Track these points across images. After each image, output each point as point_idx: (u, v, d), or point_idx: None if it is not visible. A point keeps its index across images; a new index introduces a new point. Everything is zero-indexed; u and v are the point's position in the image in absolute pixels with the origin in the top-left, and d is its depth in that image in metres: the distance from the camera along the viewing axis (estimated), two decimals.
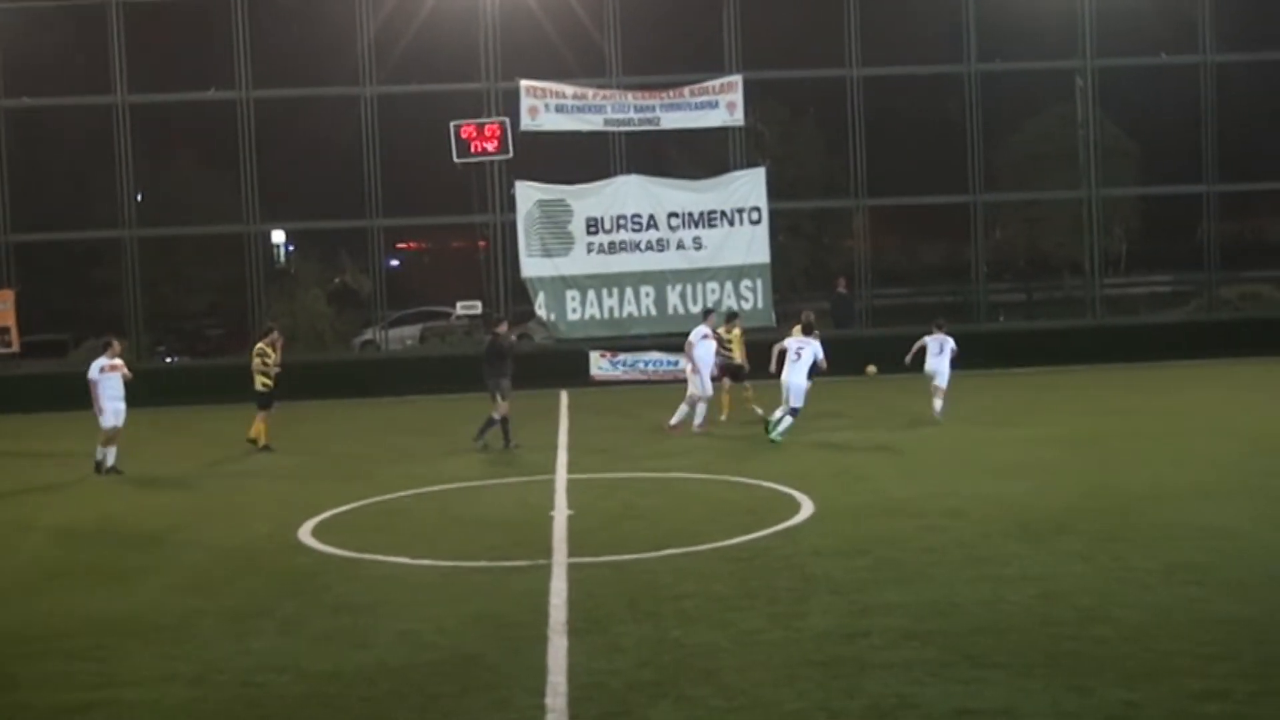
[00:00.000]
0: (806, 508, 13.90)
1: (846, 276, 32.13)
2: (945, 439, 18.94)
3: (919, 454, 17.45)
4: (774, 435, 18.81)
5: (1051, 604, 9.81)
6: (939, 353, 21.17)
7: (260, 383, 20.38)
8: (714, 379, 21.07)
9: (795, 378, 19.14)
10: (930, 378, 21.11)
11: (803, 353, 19.27)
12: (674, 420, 20.64)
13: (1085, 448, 17.50)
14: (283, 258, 38.27)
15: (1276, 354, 28.21)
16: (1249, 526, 12.16)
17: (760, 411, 21.19)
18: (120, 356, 18.63)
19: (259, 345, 20.66)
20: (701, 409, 20.72)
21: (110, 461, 18.36)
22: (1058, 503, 13.66)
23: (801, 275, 35.04)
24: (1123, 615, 9.44)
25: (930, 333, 21.42)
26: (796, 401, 19.06)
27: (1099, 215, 31.58)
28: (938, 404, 20.85)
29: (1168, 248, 36.99)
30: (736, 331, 22.22)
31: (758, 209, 30.77)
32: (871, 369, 23.72)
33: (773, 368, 19.74)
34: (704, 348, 20.71)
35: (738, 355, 22.11)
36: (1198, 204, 31.71)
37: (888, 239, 36.42)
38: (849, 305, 31.59)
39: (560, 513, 14.10)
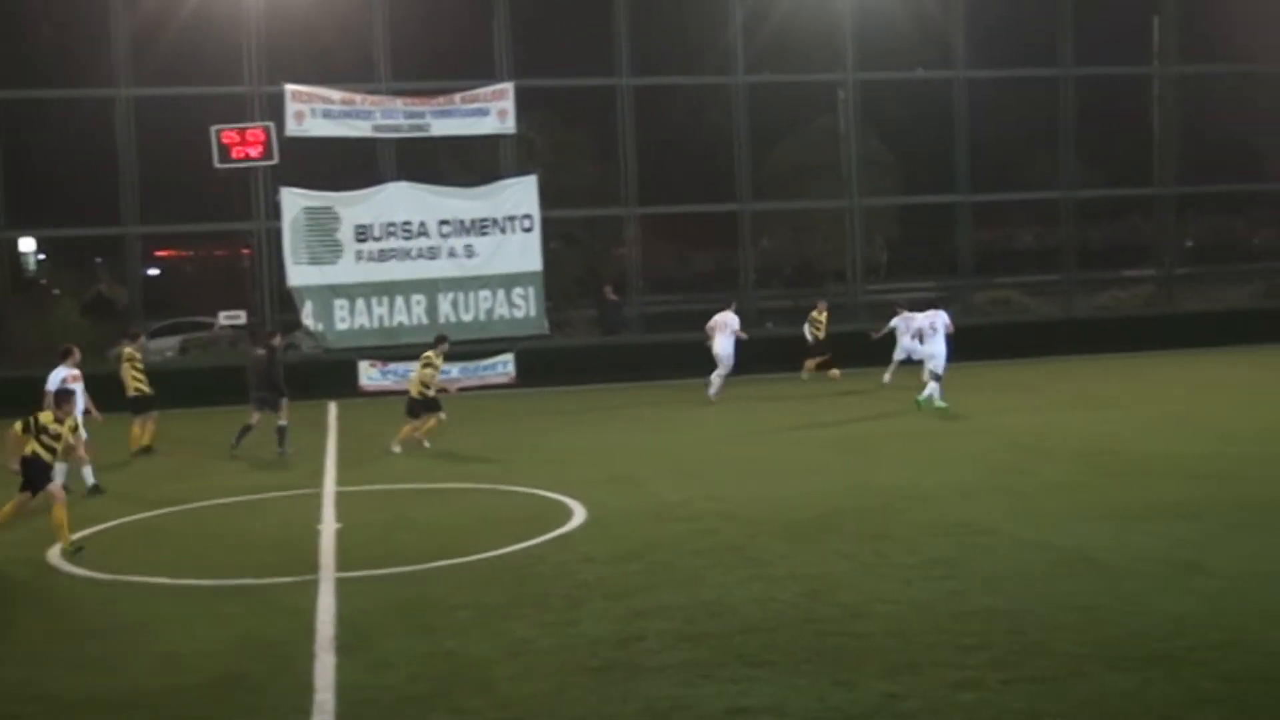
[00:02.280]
0: (579, 514, 13.94)
1: (614, 283, 32.42)
2: (715, 441, 19.28)
3: (691, 457, 17.72)
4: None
5: (817, 601, 10.08)
6: (933, 333, 22.02)
7: (134, 387, 20.49)
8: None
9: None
10: (927, 361, 22.33)
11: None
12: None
13: (852, 449, 18.06)
14: (33, 266, 36.35)
15: (1024, 355, 29.68)
16: (1001, 523, 12.74)
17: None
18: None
19: (128, 350, 20.81)
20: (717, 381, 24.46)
21: (92, 479, 16.55)
22: (824, 503, 14.05)
23: (574, 283, 35.19)
24: (884, 610, 9.77)
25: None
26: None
27: (861, 224, 32.71)
28: (931, 388, 21.68)
29: (925, 255, 38.61)
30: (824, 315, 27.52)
31: (529, 217, 30.75)
32: (835, 373, 27.08)
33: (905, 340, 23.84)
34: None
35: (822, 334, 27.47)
36: (953, 213, 33.15)
37: (660, 247, 36.93)
38: (617, 312, 31.85)
39: (328, 526, 13.78)
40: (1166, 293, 33.98)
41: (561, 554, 12.03)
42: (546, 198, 30.83)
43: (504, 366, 29.78)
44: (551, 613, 9.98)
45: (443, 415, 19.87)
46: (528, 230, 30.73)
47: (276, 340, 20.70)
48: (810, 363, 27.76)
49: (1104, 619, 9.37)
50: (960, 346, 25.71)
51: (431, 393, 19.68)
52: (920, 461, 16.76)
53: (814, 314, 27.94)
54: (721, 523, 13.21)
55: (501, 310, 30.21)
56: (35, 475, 12.97)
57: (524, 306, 30.61)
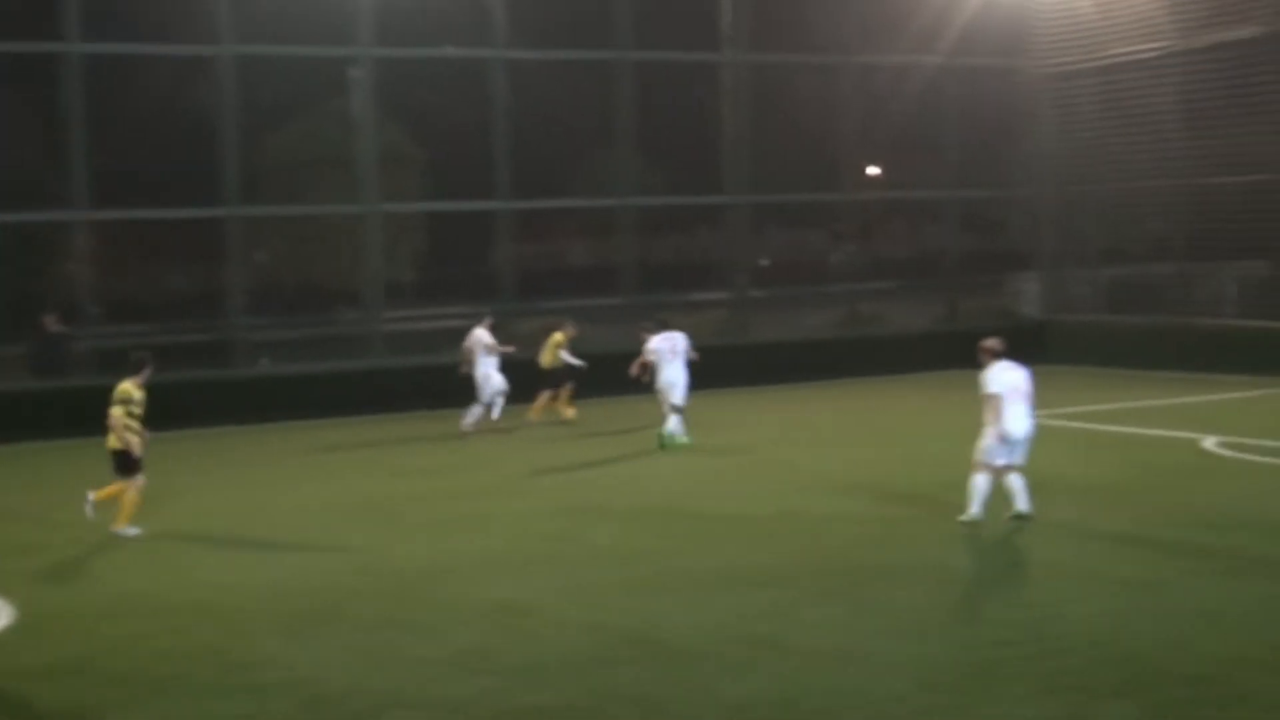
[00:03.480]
0: (3, 614, 13.04)
1: (59, 312, 30.53)
2: (204, 514, 18.57)
3: (174, 533, 16.95)
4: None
5: (317, 712, 9.85)
6: (673, 358, 23.22)
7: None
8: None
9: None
10: (665, 392, 23.16)
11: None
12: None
13: (365, 515, 17.88)
14: None
15: (577, 395, 30.38)
16: (547, 601, 12.94)
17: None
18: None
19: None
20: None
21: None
22: (327, 584, 13.81)
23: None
24: (402, 718, 9.65)
25: (654, 332, 23.66)
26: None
27: (381, 234, 32.62)
28: (672, 422, 23.01)
29: (461, 274, 38.93)
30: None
31: None
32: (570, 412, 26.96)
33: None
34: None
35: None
36: (493, 223, 33.64)
37: (123, 262, 35.37)
38: (57, 348, 29.77)
39: None
40: (740, 319, 35.86)
41: None
42: None
43: None
44: None
45: None
46: None
47: None
48: (546, 398, 27.06)
49: (662, 711, 9.64)
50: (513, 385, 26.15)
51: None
52: (452, 528, 16.82)
53: (558, 336, 27.01)
54: (198, 618, 12.72)
55: None
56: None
57: None
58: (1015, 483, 15.69)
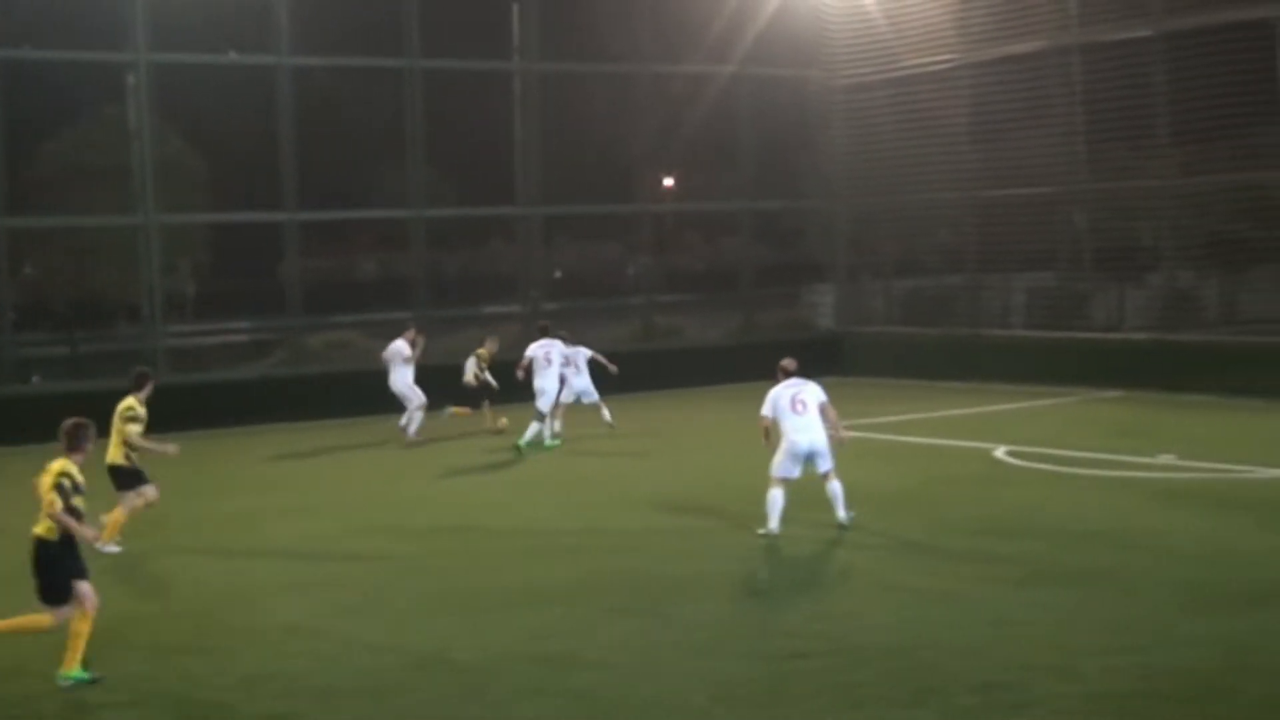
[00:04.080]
0: None
1: None
2: None
3: None
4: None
5: None
6: (547, 365, 24.41)
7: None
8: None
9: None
10: (538, 397, 24.16)
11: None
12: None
13: (148, 538, 17.52)
14: None
15: (359, 413, 30.00)
16: (336, 623, 12.86)
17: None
18: None
19: (128, 402, 17.21)
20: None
21: None
22: (113, 611, 13.48)
23: None
24: None
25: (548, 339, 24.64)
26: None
27: (160, 246, 31.95)
28: (532, 429, 24.01)
29: (246, 288, 38.34)
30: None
31: None
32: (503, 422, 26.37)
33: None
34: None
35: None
36: (279, 235, 33.18)
37: None
38: None
39: None
40: (533, 332, 35.82)
41: None
42: None
43: None
44: None
45: None
46: None
47: None
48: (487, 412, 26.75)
49: None
50: (273, 405, 25.83)
51: None
52: (235, 551, 16.58)
53: (481, 351, 26.97)
54: None
55: None
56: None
57: None
58: (831, 491, 16.31)
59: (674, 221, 41.07)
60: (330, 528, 17.95)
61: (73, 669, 11.12)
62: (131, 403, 17.06)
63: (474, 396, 26.90)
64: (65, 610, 11.33)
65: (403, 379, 25.92)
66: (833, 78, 36.46)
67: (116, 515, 16.88)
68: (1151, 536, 15.61)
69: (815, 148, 37.84)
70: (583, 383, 25.41)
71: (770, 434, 16.27)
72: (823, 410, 16.31)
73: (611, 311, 40.93)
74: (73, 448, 11.74)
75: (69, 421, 11.93)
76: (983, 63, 33.01)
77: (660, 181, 40.87)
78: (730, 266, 39.55)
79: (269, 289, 34.45)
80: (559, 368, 24.67)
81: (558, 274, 42.14)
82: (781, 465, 16.15)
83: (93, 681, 11.06)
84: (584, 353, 25.60)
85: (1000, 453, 21.88)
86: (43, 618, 11.46)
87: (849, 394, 26.64)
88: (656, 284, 38.41)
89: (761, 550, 15.61)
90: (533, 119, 35.39)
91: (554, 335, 25.25)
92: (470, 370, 26.85)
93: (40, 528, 11.40)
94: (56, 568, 11.36)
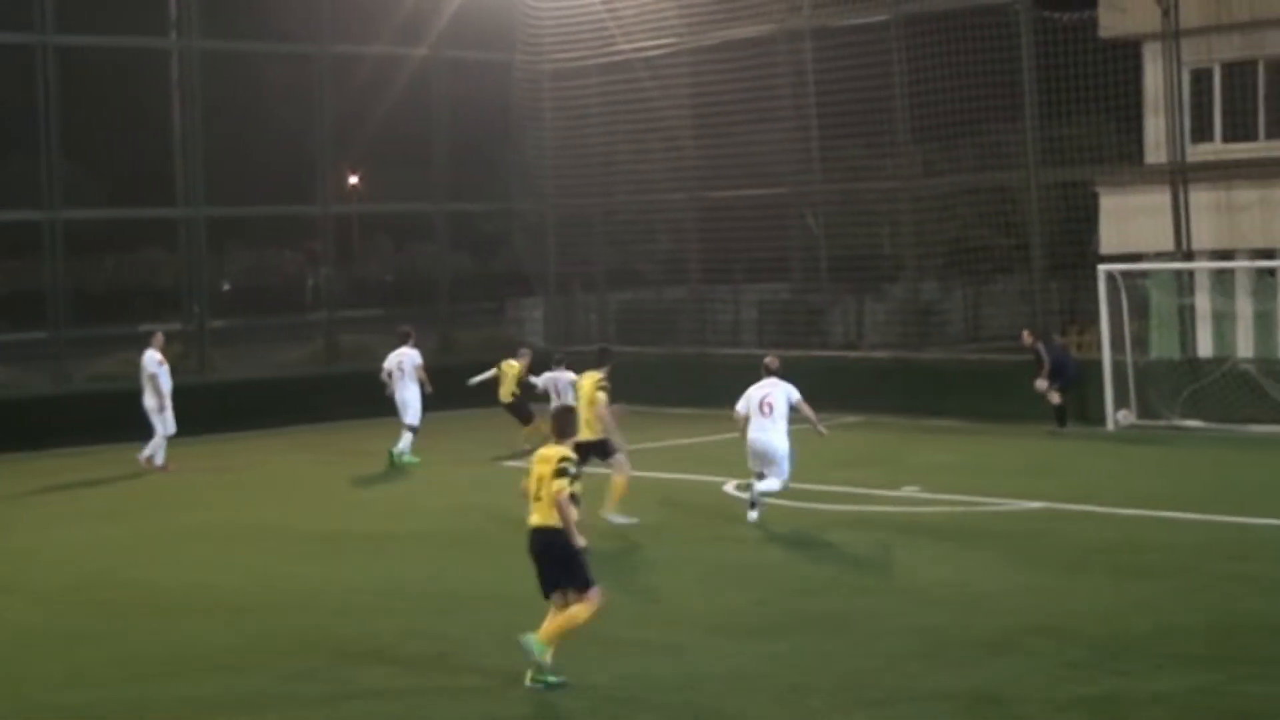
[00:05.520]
0: None
1: None
2: None
3: None
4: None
5: None
6: (402, 375, 26.31)
7: None
8: None
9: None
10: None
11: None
12: None
13: None
14: None
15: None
16: None
17: None
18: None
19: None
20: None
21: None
22: None
23: None
24: None
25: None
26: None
27: None
28: (403, 440, 25.94)
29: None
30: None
31: None
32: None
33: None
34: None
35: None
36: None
37: None
38: None
39: None
40: (198, 354, 34.99)
41: None
42: None
43: None
44: None
45: None
46: None
47: None
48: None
49: None
50: None
51: None
52: None
53: (515, 365, 28.05)
54: None
55: None
56: None
57: None
58: (758, 486, 19.19)
59: (361, 225, 40.71)
60: None
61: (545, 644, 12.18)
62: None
63: (520, 411, 27.85)
64: (595, 592, 12.47)
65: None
66: (539, 62, 36.32)
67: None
68: (893, 577, 15.99)
69: (520, 142, 37.45)
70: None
71: (743, 428, 19.26)
72: (796, 408, 19.41)
73: (290, 330, 40.33)
74: (561, 433, 13.11)
75: (559, 407, 14.75)
76: (706, 48, 33.39)
77: (345, 180, 40.51)
78: (425, 277, 39.27)
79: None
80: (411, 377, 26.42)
81: (226, 286, 41.44)
82: (749, 458, 19.50)
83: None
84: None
85: (731, 487, 22.10)
86: (581, 608, 12.41)
87: None
88: (341, 297, 37.83)
89: (452, 605, 15.44)
90: (195, 106, 34.29)
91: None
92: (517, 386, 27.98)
93: (544, 517, 12.50)
94: (572, 549, 12.40)
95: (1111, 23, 29.21)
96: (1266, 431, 25.75)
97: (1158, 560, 16.62)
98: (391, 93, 36.29)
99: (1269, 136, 29.58)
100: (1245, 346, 29.16)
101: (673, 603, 15.30)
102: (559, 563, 12.44)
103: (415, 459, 26.05)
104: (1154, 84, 29.43)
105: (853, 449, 26.03)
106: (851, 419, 29.36)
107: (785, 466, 19.22)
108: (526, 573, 12.73)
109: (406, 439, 26.13)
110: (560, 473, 12.41)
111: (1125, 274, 27.84)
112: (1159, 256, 28.88)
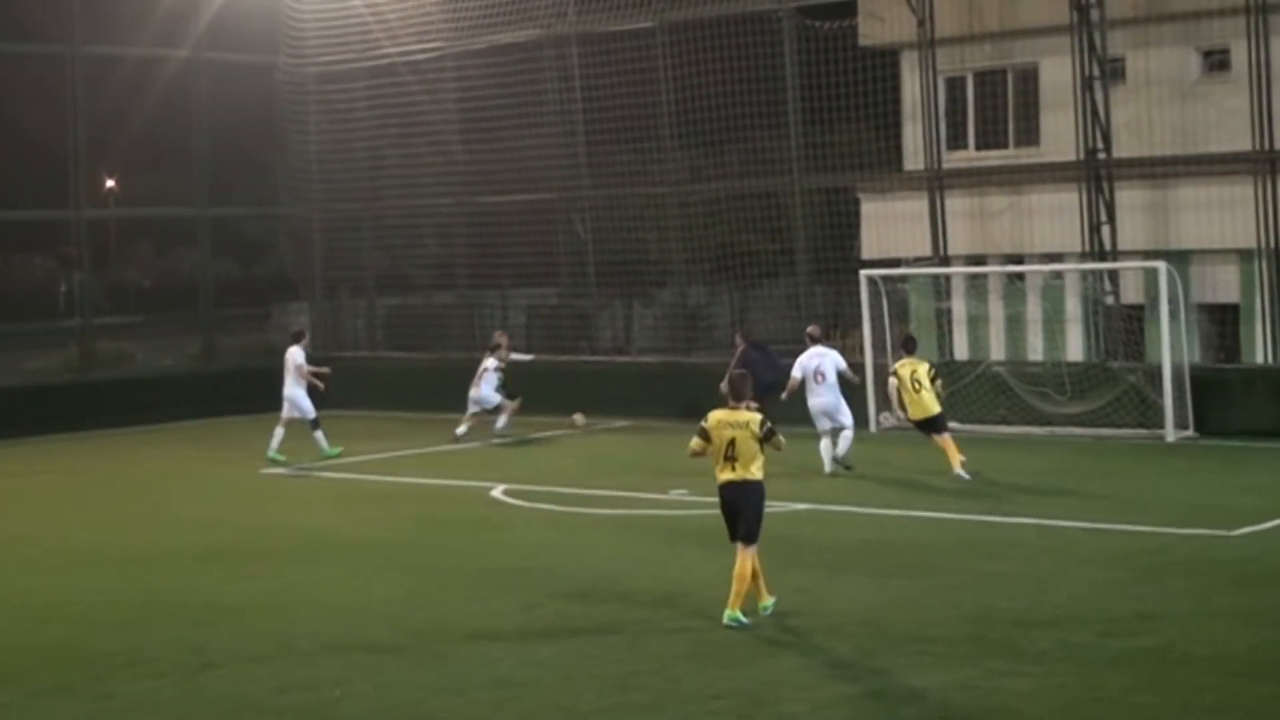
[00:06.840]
0: None
1: None
2: None
3: None
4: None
5: None
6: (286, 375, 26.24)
7: None
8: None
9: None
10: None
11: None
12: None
13: None
14: None
15: None
16: None
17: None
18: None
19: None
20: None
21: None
22: None
23: None
24: None
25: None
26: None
27: None
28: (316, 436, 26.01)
29: None
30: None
31: None
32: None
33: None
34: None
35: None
36: None
37: None
38: None
39: None
40: None
41: None
42: None
43: None
44: None
45: None
46: None
47: None
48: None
49: None
50: None
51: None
52: None
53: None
54: None
55: None
56: None
57: None
58: (830, 445, 22.69)
59: (118, 230, 39.91)
60: None
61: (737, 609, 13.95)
62: None
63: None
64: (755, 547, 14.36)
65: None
66: (303, 65, 35.96)
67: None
68: (658, 581, 16.12)
69: (284, 145, 36.96)
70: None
71: (790, 393, 22.58)
72: (842, 375, 22.91)
73: (43, 336, 39.45)
74: (738, 396, 14.72)
75: (736, 373, 15.90)
76: (472, 52, 33.42)
77: (101, 183, 39.68)
78: (187, 283, 38.68)
79: None
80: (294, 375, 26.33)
81: None
82: (816, 419, 22.81)
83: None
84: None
85: (498, 492, 22.17)
86: (745, 561, 14.20)
87: (332, 429, 26.49)
88: (97, 304, 37.07)
89: (216, 615, 15.19)
90: None
91: None
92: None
93: (739, 473, 14.47)
94: (762, 503, 14.70)
95: (871, 32, 29.90)
96: (1017, 432, 26.60)
97: (916, 559, 17.01)
98: (152, 95, 35.59)
99: (1018, 144, 30.50)
100: (997, 349, 30.00)
101: (437, 609, 15.24)
102: (752, 511, 14.38)
103: (336, 449, 26.22)
104: (911, 92, 30.17)
105: (622, 453, 26.25)
106: (620, 423, 29.61)
107: (848, 414, 22.82)
108: (291, 580, 12.61)
109: (278, 436, 26.00)
110: (769, 434, 14.44)
111: (886, 279, 28.42)
112: (918, 261, 29.53)
